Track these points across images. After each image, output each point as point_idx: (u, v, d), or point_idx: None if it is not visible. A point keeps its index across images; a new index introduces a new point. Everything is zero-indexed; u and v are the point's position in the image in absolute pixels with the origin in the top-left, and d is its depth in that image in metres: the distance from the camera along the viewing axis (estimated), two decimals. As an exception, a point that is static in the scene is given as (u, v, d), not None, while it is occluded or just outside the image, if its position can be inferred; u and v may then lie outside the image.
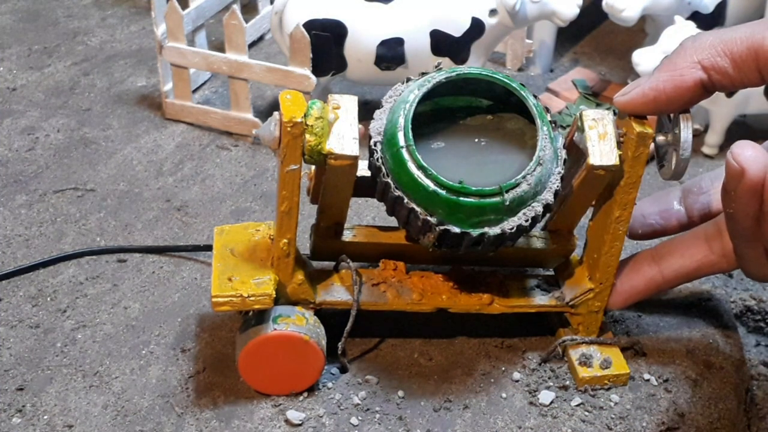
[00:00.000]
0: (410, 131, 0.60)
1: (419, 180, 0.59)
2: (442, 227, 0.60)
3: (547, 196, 0.61)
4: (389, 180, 0.60)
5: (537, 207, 0.61)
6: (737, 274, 0.82)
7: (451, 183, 0.59)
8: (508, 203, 0.60)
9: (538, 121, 0.61)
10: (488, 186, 0.60)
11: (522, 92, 0.61)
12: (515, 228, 0.61)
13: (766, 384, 0.73)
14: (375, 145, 0.61)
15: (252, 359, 0.65)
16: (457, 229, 0.60)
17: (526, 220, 0.61)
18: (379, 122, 0.62)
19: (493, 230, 0.61)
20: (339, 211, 0.67)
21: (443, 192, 0.59)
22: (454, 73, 0.62)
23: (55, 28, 1.19)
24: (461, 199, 0.59)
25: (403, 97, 0.61)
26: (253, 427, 0.65)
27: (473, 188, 0.60)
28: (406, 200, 0.60)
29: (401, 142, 0.60)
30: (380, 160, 0.61)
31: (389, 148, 0.60)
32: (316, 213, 0.67)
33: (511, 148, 0.64)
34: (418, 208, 0.60)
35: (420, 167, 0.59)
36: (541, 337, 0.73)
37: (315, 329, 0.66)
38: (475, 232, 0.60)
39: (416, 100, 0.60)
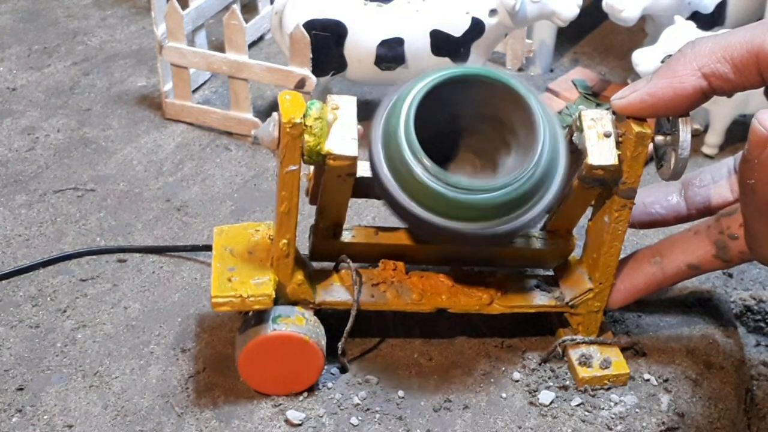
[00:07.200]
0: (412, 130, 0.60)
1: (420, 178, 0.60)
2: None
3: (548, 196, 0.61)
4: (384, 173, 0.61)
5: (537, 206, 0.61)
6: (737, 274, 0.82)
7: (454, 179, 0.59)
8: (507, 200, 0.60)
9: (538, 121, 0.61)
10: (489, 183, 0.60)
11: (522, 91, 0.61)
12: (513, 227, 0.61)
13: (766, 384, 0.73)
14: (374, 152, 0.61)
15: (252, 359, 0.65)
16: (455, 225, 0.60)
17: (526, 220, 0.61)
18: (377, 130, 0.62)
19: (492, 228, 0.61)
20: (338, 211, 0.67)
21: (444, 189, 0.59)
22: (455, 73, 0.62)
23: (55, 28, 1.18)
24: (461, 195, 0.59)
25: (402, 96, 0.61)
26: (253, 427, 0.65)
27: (475, 184, 0.60)
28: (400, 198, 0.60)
29: (403, 142, 0.60)
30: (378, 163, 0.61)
31: (391, 148, 0.60)
32: (315, 214, 0.67)
33: (512, 146, 0.64)
34: (413, 204, 0.60)
35: (417, 160, 0.59)
36: (541, 337, 0.73)
37: (315, 329, 0.66)
38: (473, 229, 0.60)
39: (419, 98, 0.60)
